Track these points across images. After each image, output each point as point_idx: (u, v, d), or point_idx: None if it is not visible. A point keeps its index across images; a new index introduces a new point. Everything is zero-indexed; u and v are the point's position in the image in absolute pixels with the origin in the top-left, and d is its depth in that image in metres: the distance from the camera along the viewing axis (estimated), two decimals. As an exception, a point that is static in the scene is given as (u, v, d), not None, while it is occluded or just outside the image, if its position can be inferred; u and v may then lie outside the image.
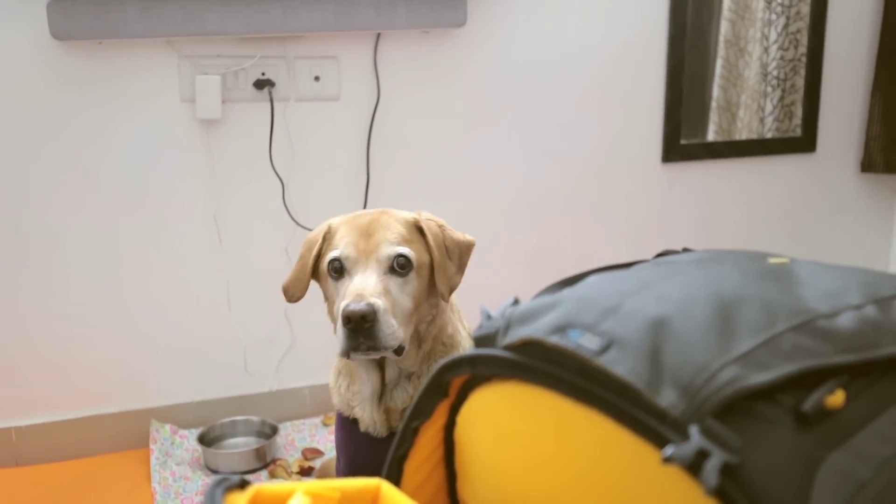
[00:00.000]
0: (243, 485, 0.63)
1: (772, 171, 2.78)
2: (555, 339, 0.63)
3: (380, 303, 1.27)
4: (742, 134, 2.73)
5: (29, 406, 2.20)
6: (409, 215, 1.42)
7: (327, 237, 1.41)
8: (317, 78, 2.24)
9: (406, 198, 2.34)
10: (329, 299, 1.42)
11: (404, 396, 1.42)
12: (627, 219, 2.64)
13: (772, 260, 0.73)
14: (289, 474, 2.11)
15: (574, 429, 0.63)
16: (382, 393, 1.42)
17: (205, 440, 2.19)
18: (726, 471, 0.52)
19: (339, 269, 1.35)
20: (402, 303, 1.33)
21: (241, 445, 2.24)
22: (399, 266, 1.33)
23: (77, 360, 2.21)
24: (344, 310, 1.26)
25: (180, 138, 2.18)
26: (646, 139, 2.61)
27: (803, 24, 2.72)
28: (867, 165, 2.84)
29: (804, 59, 2.74)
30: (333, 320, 1.40)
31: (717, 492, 0.52)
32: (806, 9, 2.71)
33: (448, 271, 1.40)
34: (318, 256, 1.41)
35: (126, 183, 2.16)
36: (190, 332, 2.29)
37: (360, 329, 1.25)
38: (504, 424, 0.70)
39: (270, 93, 2.19)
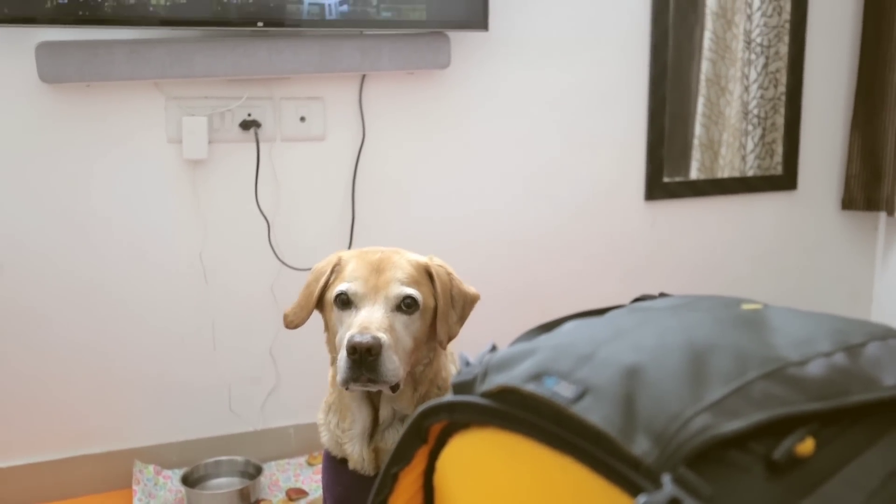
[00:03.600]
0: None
1: (753, 208, 2.81)
2: (531, 387, 0.64)
3: (385, 337, 1.29)
4: (724, 172, 2.76)
5: (10, 447, 2.18)
6: (421, 258, 1.45)
7: (336, 269, 1.43)
8: (302, 118, 2.26)
9: (391, 237, 2.35)
10: (331, 330, 1.43)
11: (395, 437, 1.42)
12: (611, 256, 2.65)
13: (745, 306, 0.74)
14: (273, 515, 2.09)
15: (550, 476, 0.64)
16: (373, 432, 1.43)
17: (188, 481, 2.17)
18: (698, 519, 0.53)
19: (346, 302, 1.37)
20: (404, 341, 1.35)
21: (224, 486, 2.22)
22: (406, 306, 1.36)
23: (60, 400, 2.19)
24: (350, 340, 1.28)
25: (167, 178, 2.19)
26: (629, 177, 2.64)
27: (782, 63, 2.77)
28: (848, 203, 2.88)
29: (784, 97, 2.79)
30: (332, 351, 1.43)
31: (690, 540, 0.53)
32: (784, 49, 2.76)
33: (449, 320, 1.43)
34: (325, 287, 1.43)
35: (112, 222, 2.16)
36: (174, 372, 2.28)
37: (364, 361, 1.27)
38: (482, 470, 0.71)
39: (256, 133, 2.21)
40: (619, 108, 2.58)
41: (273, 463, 2.34)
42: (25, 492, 2.18)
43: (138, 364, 2.25)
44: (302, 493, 2.19)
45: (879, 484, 0.57)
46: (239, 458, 2.28)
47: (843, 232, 2.93)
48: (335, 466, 1.48)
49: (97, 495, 2.22)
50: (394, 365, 1.30)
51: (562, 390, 0.62)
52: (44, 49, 1.97)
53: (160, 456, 2.28)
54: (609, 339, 0.67)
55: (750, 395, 0.59)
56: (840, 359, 0.64)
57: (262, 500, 2.16)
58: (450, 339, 1.44)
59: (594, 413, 0.60)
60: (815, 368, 0.62)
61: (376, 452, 1.43)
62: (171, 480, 2.22)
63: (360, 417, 1.42)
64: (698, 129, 2.70)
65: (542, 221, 2.55)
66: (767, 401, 0.59)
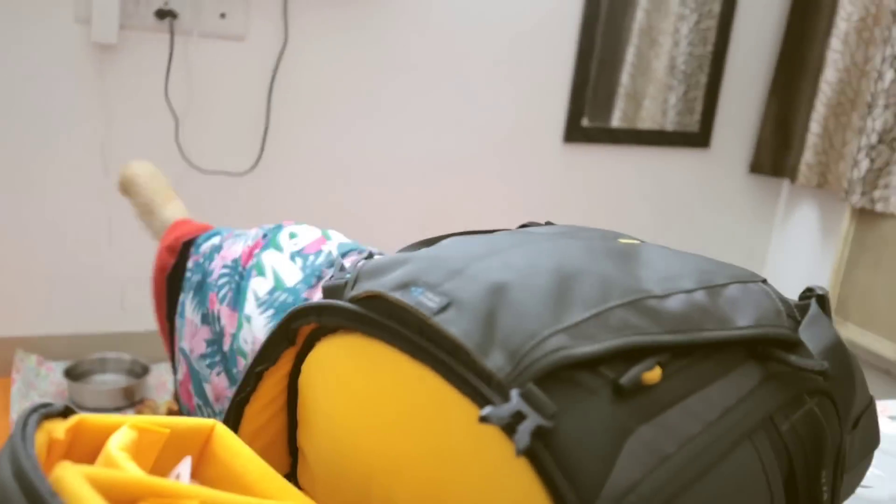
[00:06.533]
0: (66, 413, 0.61)
1: (667, 162, 2.86)
2: (397, 295, 0.64)
3: None
4: (645, 123, 2.79)
5: None
6: None
7: None
8: (223, 15, 2.17)
9: (304, 148, 2.31)
10: None
11: None
12: (524, 192, 2.67)
13: (622, 240, 0.75)
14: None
15: (409, 384, 0.64)
16: None
17: (72, 374, 2.13)
18: (539, 434, 0.54)
19: None
20: None
21: (109, 383, 2.19)
22: None
23: (-60, 281, 2.11)
24: None
25: (71, 60, 2.08)
26: (549, 117, 2.64)
27: (713, 21, 2.79)
28: (756, 166, 2.96)
29: (710, 56, 2.82)
30: None
31: (528, 453, 0.54)
32: (717, 7, 2.78)
33: None
34: None
35: (8, 101, 2.06)
36: (66, 263, 2.21)
37: None
38: (345, 375, 0.71)
39: (172, 24, 2.12)
40: (548, 47, 2.57)
41: (163, 364, 2.31)
42: None
43: (28, 251, 2.17)
44: (188, 396, 2.17)
45: (717, 417, 0.60)
46: (126, 356, 2.24)
47: (747, 194, 3.02)
48: None
49: (-26, 381, 2.16)
50: None
51: (426, 300, 0.62)
52: None
53: (45, 347, 2.23)
54: (481, 256, 0.67)
55: (608, 321, 0.60)
56: (700, 296, 0.65)
57: (147, 399, 2.14)
58: None
59: (455, 325, 0.60)
60: (675, 303, 0.64)
61: None
62: (54, 372, 2.17)
63: None
64: (625, 79, 2.71)
65: (459, 148, 2.54)
66: (624, 329, 0.60)
